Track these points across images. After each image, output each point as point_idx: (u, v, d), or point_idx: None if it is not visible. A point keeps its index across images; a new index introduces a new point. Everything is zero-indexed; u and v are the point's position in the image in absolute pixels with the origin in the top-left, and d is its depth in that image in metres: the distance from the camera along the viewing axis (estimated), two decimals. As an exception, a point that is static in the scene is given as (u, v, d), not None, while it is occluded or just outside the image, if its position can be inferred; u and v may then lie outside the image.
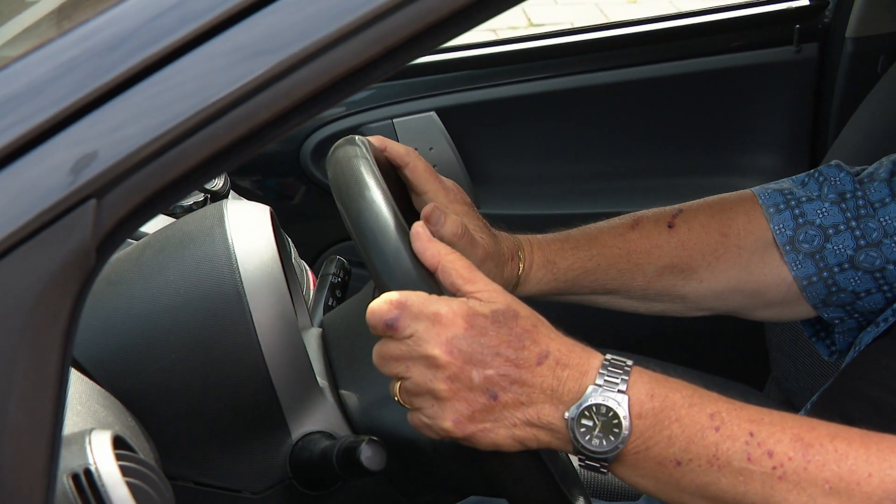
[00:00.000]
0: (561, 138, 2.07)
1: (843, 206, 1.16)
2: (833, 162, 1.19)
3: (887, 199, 1.15)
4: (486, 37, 2.47)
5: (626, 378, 0.81)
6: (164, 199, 0.67)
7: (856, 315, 1.18)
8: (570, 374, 0.82)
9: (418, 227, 0.85)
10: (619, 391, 0.81)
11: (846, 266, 1.16)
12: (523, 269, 1.13)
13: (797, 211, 1.16)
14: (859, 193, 1.15)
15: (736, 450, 0.80)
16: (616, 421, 0.80)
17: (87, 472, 0.76)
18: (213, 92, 0.65)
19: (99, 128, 0.65)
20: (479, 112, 2.01)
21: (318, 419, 1.01)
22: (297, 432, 1.00)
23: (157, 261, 1.02)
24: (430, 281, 0.83)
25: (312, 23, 0.67)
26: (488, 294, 0.83)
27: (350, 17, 0.67)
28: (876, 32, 1.96)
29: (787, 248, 1.15)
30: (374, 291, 1.08)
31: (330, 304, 1.24)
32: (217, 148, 0.66)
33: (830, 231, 1.15)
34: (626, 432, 0.80)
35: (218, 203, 1.07)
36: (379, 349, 0.84)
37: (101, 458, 0.77)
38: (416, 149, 1.07)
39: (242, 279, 1.00)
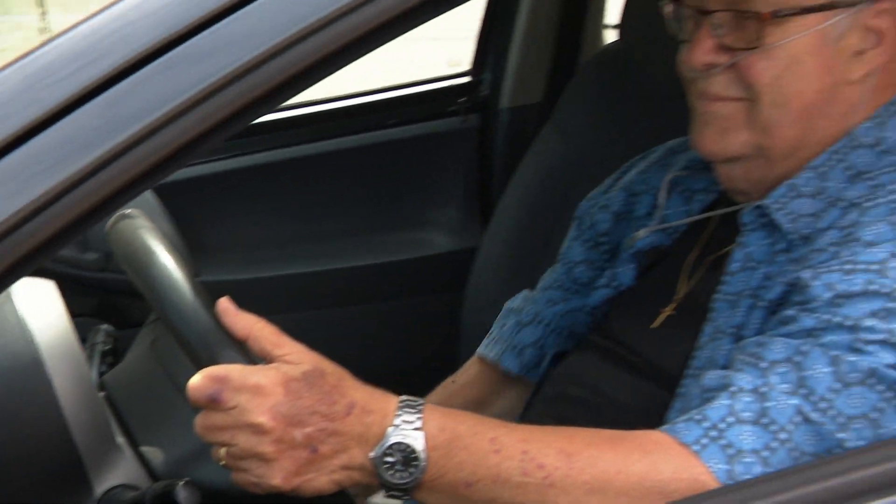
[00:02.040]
0: (274, 206, 2.19)
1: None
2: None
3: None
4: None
5: (420, 416, 0.90)
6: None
7: None
8: (374, 419, 0.90)
9: (225, 303, 0.92)
10: (414, 429, 0.90)
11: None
12: None
13: None
14: None
15: (514, 467, 0.91)
16: (414, 455, 0.89)
17: None
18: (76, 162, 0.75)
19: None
20: (196, 185, 2.11)
21: (120, 474, 1.05)
22: (101, 488, 1.04)
23: None
24: (242, 349, 0.90)
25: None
26: (296, 356, 0.91)
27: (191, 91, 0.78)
28: (525, 103, 2.25)
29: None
30: (153, 345, 1.17)
31: (102, 371, 1.27)
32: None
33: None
34: (424, 464, 0.89)
35: (-2, 280, 1.13)
36: (203, 421, 0.89)
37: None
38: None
39: (41, 350, 1.03)
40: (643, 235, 1.26)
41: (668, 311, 1.21)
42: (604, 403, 1.22)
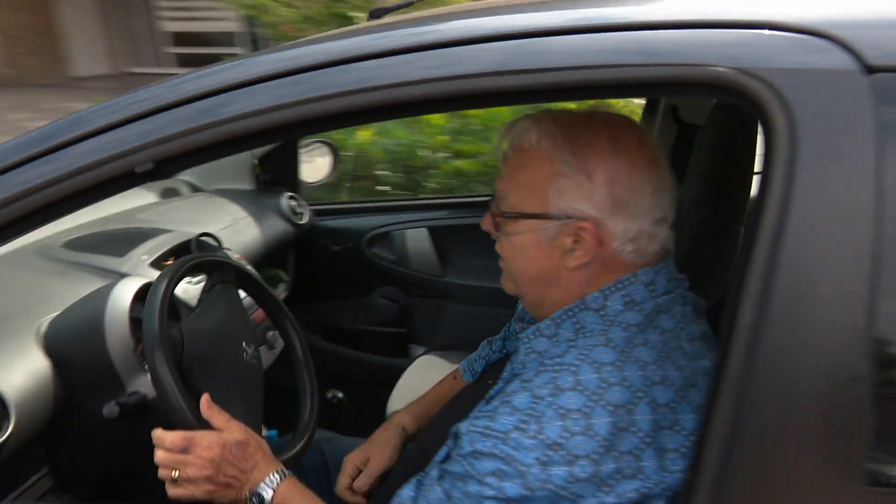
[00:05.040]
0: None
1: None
2: None
3: None
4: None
5: (279, 481, 1.41)
6: None
7: None
8: (259, 476, 1.42)
9: (206, 399, 1.45)
10: (271, 488, 1.40)
11: None
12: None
13: None
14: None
15: None
16: (262, 501, 1.40)
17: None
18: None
19: None
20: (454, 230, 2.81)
21: (137, 383, 1.64)
22: (129, 389, 1.64)
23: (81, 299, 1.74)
24: (203, 422, 1.43)
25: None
26: (236, 430, 1.43)
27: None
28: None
29: None
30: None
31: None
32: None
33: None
34: None
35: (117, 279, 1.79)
36: (165, 457, 1.40)
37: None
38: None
39: (105, 317, 1.65)
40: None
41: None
42: None
